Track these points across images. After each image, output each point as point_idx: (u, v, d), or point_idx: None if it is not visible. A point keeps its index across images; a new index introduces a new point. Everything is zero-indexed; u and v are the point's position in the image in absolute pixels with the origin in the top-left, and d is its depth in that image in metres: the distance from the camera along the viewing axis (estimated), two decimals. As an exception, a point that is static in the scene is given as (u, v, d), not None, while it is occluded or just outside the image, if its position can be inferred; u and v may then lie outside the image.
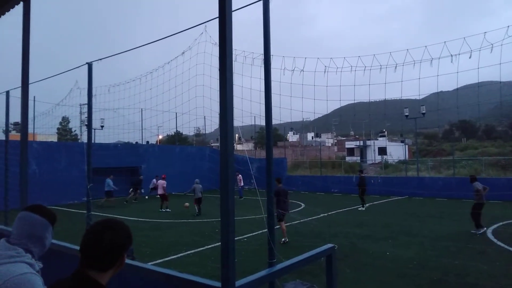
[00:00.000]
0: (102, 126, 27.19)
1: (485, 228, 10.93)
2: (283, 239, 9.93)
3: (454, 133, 67.96)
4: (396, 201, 19.72)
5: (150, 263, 6.74)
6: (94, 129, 24.97)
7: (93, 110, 7.07)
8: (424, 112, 30.98)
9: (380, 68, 5.79)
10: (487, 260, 7.94)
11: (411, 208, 16.83)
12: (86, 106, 7.54)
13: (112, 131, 25.53)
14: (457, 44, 5.77)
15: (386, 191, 22.35)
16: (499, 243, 9.50)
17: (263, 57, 4.59)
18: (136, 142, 28.27)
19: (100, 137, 27.26)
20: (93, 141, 19.54)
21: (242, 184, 22.51)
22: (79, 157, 19.09)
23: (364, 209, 16.57)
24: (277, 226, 6.07)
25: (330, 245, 3.44)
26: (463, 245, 9.34)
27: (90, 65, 6.46)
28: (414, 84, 6.51)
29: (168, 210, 16.58)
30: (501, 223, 12.30)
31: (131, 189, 21.31)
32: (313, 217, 14.29)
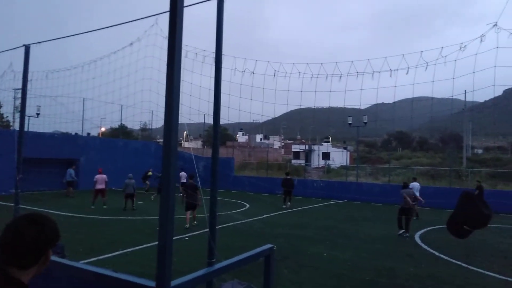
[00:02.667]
0: (38, 114, 25.33)
1: (403, 230, 11.87)
2: (186, 225, 11.76)
3: (391, 143, 72.47)
4: (336, 205, 20.56)
5: (82, 262, 6.39)
6: (29, 116, 23.14)
7: (29, 96, 6.59)
8: (365, 121, 32.63)
9: (326, 77, 6.02)
10: (415, 262, 8.56)
11: (349, 212, 17.64)
12: (20, 91, 6.97)
13: (49, 119, 23.84)
14: (397, 60, 6.17)
15: (327, 195, 23.26)
16: (425, 246, 10.28)
17: (214, 55, 4.56)
18: (76, 133, 26.67)
19: (35, 126, 25.38)
20: (26, 129, 18.16)
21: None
22: (9, 145, 17.63)
23: (285, 207, 17.90)
24: (217, 227, 6.05)
25: (269, 245, 3.50)
26: (393, 248, 9.97)
27: (27, 48, 5.99)
28: (358, 94, 6.85)
29: (104, 206, 15.74)
30: (427, 228, 13.32)
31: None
32: (256, 218, 14.44)
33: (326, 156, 46.13)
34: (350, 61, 6.28)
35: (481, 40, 5.20)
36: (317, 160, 46.31)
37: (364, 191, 22.61)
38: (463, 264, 8.36)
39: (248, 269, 6.76)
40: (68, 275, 2.84)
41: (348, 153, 45.72)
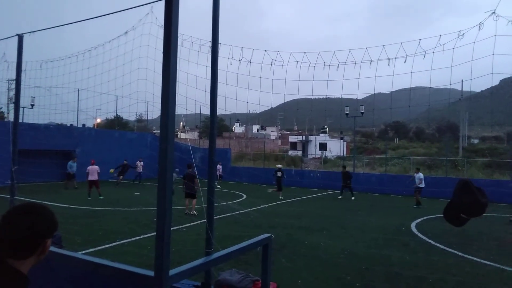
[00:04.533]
0: (32, 105, 25.13)
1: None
2: (186, 211, 12.35)
3: (388, 133, 72.67)
4: (333, 195, 20.66)
5: (80, 252, 6.39)
6: (23, 107, 22.97)
7: (23, 86, 6.50)
8: (362, 111, 32.65)
9: (324, 66, 5.98)
10: (410, 251, 8.64)
11: (346, 202, 17.74)
12: (14, 82, 6.89)
13: (44, 110, 23.67)
14: (395, 49, 6.13)
15: (324, 185, 23.35)
16: (421, 235, 10.36)
17: (210, 44, 4.50)
18: (71, 125, 26.51)
19: (30, 117, 25.16)
20: (21, 121, 17.96)
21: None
22: (4, 137, 17.54)
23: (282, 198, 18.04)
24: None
25: (266, 235, 3.50)
26: (389, 237, 10.05)
27: (20, 37, 5.89)
28: (355, 84, 6.82)
29: (101, 197, 15.73)
30: (424, 218, 13.42)
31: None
32: (253, 208, 14.49)
33: (323, 146, 46.22)
34: (347, 49, 6.23)
35: (480, 28, 5.17)
36: (314, 151, 46.39)
37: (361, 181, 22.70)
38: (459, 253, 8.45)
39: (246, 259, 6.81)
40: (66, 265, 2.84)
41: (345, 143, 45.81)
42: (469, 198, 8.36)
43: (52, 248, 2.00)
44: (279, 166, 21.38)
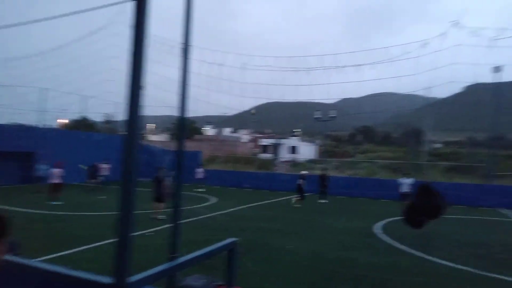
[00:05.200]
0: (-8, 104, 23.92)
1: None
2: (153, 216, 11.88)
3: (357, 137, 74.40)
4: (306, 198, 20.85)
5: (38, 259, 6.09)
6: (-18, 106, 21.80)
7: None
8: (333, 116, 33.24)
9: (296, 70, 6.02)
10: (376, 252, 8.85)
11: (316, 205, 17.97)
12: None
13: (5, 110, 22.59)
14: (364, 56, 6.27)
15: (294, 188, 23.51)
16: (386, 237, 10.64)
17: (182, 45, 4.43)
18: (34, 125, 25.40)
19: (-11, 116, 23.93)
20: (-22, 120, 16.95)
21: None
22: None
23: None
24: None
25: (232, 239, 3.47)
26: (357, 239, 10.26)
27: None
28: (325, 89, 6.92)
29: (59, 202, 14.90)
30: (389, 219, 13.81)
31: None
32: (223, 211, 14.40)
33: (294, 150, 46.70)
34: (318, 55, 6.33)
35: (443, 37, 5.37)
36: (284, 154, 46.76)
37: (331, 184, 23.06)
38: (421, 254, 8.73)
39: (213, 263, 6.72)
40: (18, 273, 2.68)
41: (316, 147, 46.50)
42: (429, 201, 8.69)
43: (6, 256, 1.88)
44: (305, 172, 19.99)
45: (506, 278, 7.06)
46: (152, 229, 10.44)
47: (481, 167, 26.28)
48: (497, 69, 27.69)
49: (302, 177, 18.24)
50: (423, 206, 9.39)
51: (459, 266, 7.76)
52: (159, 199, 12.32)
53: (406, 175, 16.87)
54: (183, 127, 4.52)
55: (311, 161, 37.65)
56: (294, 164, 37.36)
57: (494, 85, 31.14)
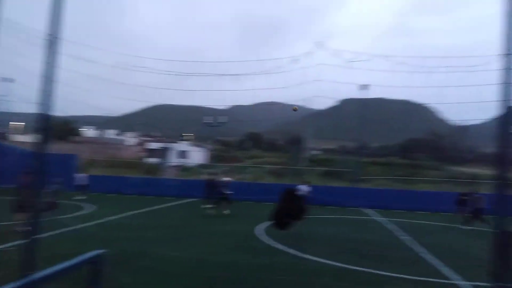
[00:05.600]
0: None
1: None
2: (15, 228, 9.93)
3: (245, 143, 77.06)
4: (190, 203, 20.62)
5: None
6: None
7: None
8: (223, 121, 33.81)
9: (189, 75, 5.88)
10: (257, 254, 9.18)
11: (200, 210, 17.91)
12: None
13: None
14: (255, 65, 6.48)
15: (182, 193, 23.09)
16: (266, 239, 11.14)
17: (48, 37, 3.91)
18: None
19: None
20: None
21: None
22: None
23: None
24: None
25: (97, 251, 3.17)
26: (239, 243, 10.51)
27: None
28: (217, 94, 6.93)
29: None
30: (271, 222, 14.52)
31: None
32: (99, 221, 13.30)
33: (183, 154, 45.99)
34: (212, 62, 6.30)
35: (309, 56, 5.86)
36: (173, 158, 45.71)
37: (220, 189, 23.28)
38: (297, 253, 9.36)
39: (79, 277, 6.08)
40: None
41: (206, 151, 46.58)
42: (293, 205, 9.55)
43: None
44: (227, 178, 18.90)
45: (369, 270, 8.01)
46: (11, 243, 9.02)
47: (349, 172, 29.72)
48: (363, 86, 31.82)
49: (215, 183, 17.73)
50: (288, 209, 10.30)
51: (330, 262, 8.54)
52: (23, 208, 10.63)
53: (306, 182, 17.40)
54: (47, 126, 4.00)
55: (201, 166, 37.56)
56: (184, 169, 36.80)
57: (361, 101, 35.65)
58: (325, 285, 6.98)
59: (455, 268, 8.33)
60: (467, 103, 38.00)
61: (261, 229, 12.80)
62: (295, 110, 16.02)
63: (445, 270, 8.22)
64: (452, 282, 7.38)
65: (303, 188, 16.73)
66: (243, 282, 6.98)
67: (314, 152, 62.08)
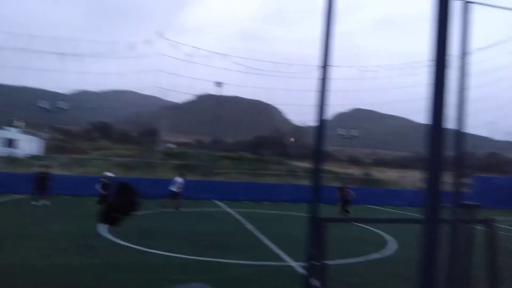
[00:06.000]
0: None
1: None
2: None
3: (92, 133, 70.36)
4: (17, 200, 17.58)
5: None
6: None
7: None
8: (63, 107, 29.99)
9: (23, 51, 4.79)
10: (95, 253, 8.38)
11: (29, 208, 15.48)
12: None
13: None
14: (106, 47, 5.72)
15: (8, 189, 19.43)
16: (109, 236, 10.24)
17: None
18: None
19: None
20: None
21: None
22: None
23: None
24: None
25: None
26: (76, 243, 9.42)
27: None
28: (60, 76, 5.87)
29: None
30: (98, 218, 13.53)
31: None
32: None
33: (11, 143, 39.02)
34: (53, 39, 5.27)
35: (148, 44, 5.58)
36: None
37: (58, 184, 20.49)
38: (143, 248, 8.91)
39: None
40: None
41: (40, 141, 40.52)
42: (125, 199, 9.19)
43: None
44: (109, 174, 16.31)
45: (215, 259, 8.18)
46: None
47: (203, 166, 30.26)
48: (218, 84, 32.78)
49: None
50: (119, 204, 9.86)
51: (175, 255, 8.39)
52: None
53: (182, 175, 17.56)
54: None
55: (33, 157, 32.46)
56: (11, 160, 31.16)
57: (217, 98, 36.70)
58: (168, 278, 6.80)
59: (289, 251, 9.27)
60: (305, 106, 43.32)
61: (104, 226, 11.75)
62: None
63: (282, 254, 9.07)
64: (288, 264, 8.18)
65: (179, 180, 16.64)
66: (77, 284, 6.23)
67: (169, 145, 61.11)
